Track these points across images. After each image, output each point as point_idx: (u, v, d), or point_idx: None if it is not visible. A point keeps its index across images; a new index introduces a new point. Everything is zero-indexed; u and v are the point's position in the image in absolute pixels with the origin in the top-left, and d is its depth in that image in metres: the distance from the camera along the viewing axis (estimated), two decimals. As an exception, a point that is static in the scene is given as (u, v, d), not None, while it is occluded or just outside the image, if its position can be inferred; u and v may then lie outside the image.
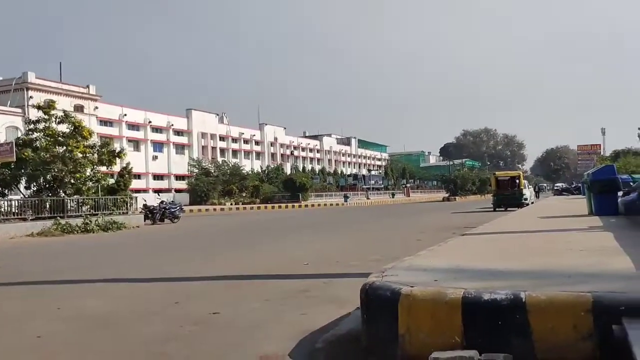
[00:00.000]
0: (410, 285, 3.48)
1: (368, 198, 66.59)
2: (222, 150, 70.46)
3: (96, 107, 52.83)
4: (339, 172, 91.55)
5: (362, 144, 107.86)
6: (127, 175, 27.50)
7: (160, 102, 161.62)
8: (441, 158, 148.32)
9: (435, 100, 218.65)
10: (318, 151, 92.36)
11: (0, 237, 17.76)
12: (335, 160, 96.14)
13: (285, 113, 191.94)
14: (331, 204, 52.83)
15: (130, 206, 24.37)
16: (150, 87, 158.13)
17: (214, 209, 44.05)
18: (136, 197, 25.90)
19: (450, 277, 3.83)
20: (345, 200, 55.60)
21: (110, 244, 15.82)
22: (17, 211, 20.08)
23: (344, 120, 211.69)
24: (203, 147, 66.87)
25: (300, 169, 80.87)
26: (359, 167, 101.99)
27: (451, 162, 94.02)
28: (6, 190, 22.15)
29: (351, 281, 6.70)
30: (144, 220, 24.25)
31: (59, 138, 22.03)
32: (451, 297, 3.25)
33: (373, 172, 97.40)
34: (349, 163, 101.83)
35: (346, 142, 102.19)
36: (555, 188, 65.56)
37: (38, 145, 21.92)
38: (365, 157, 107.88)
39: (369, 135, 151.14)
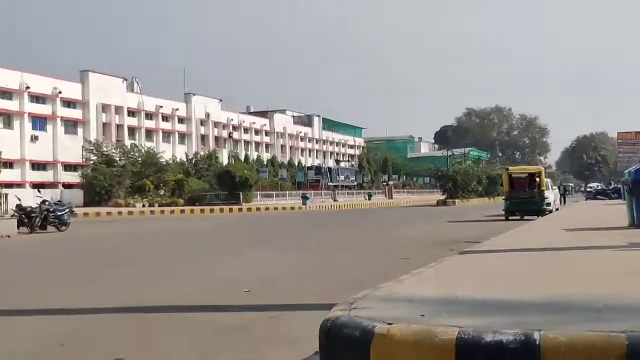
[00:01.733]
0: (387, 322, 3.55)
1: (335, 200, 66.82)
2: (132, 130, 69.55)
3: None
4: (297, 164, 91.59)
5: (329, 124, 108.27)
6: (-7, 164, 26.92)
7: (44, 61, 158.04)
8: (436, 146, 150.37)
9: (430, 68, 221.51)
10: (267, 134, 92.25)
11: None
12: (291, 147, 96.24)
13: (223, 82, 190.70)
14: (284, 208, 52.84)
15: (-2, 207, 23.91)
16: (30, 39, 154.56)
17: (119, 213, 43.42)
18: (6, 195, 25.41)
19: (442, 311, 3.92)
20: (304, 203, 55.63)
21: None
22: None
23: (304, 94, 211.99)
24: (104, 124, 65.84)
25: (242, 158, 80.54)
26: (324, 157, 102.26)
27: (450, 152, 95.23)
28: None
29: (308, 315, 6.75)
30: (18, 228, 23.74)
31: None
32: (442, 338, 3.33)
33: (343, 164, 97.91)
34: (310, 151, 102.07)
35: (306, 121, 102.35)
36: (588, 190, 67.31)
37: None
38: (332, 143, 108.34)
39: (339, 114, 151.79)
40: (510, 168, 34.88)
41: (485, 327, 3.39)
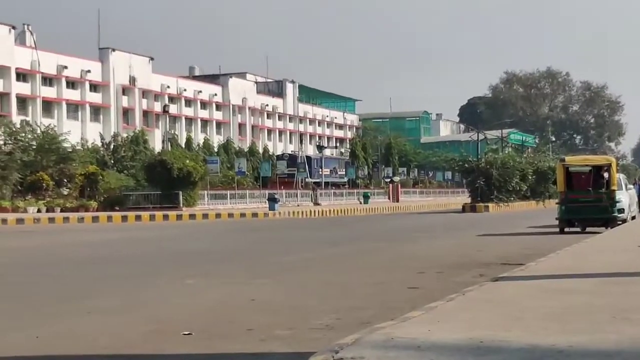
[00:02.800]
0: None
1: (317, 203, 66.89)
2: (23, 101, 69.35)
3: None
4: (261, 151, 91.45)
5: (308, 94, 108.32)
6: None
7: None
8: (462, 127, 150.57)
9: (453, 19, 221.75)
10: (219, 107, 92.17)
11: None
12: (253, 127, 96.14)
13: (154, 33, 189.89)
14: (243, 214, 52.78)
15: None
16: None
17: (3, 221, 43.27)
18: None
19: (464, 363, 3.94)
20: (272, 207, 55.57)
21: None
22: None
23: (273, 52, 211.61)
24: (-17, 92, 65.66)
25: (182, 142, 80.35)
26: (301, 142, 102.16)
27: (481, 135, 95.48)
28: None
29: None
30: None
31: None
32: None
33: (329, 152, 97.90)
34: (281, 133, 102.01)
35: (276, 90, 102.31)
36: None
37: None
38: (313, 122, 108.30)
39: (323, 81, 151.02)
40: (567, 159, 34.93)
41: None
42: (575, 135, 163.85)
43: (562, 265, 9.96)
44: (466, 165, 70.46)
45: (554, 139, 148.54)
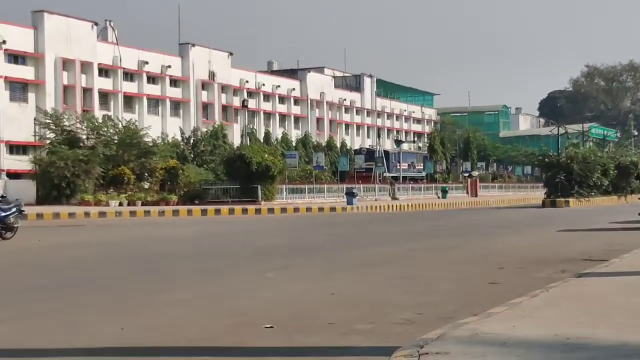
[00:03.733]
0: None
1: (395, 197, 66.69)
2: (105, 96, 70.28)
3: None
4: (339, 145, 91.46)
5: (386, 88, 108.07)
6: None
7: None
8: (542, 121, 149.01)
9: (532, 12, 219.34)
10: (297, 102, 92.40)
11: None
12: (331, 121, 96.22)
13: (233, 29, 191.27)
14: (321, 208, 52.83)
15: None
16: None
17: (86, 214, 43.84)
18: None
19: (552, 360, 3.92)
20: (350, 202, 55.55)
21: None
22: None
23: (350, 46, 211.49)
24: (66, 87, 66.66)
25: (261, 136, 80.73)
26: (379, 136, 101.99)
27: (562, 130, 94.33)
28: None
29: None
30: (-55, 234, 24.22)
31: None
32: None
33: (406, 147, 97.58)
34: (359, 127, 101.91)
35: (354, 84, 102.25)
36: None
37: None
38: (391, 116, 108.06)
39: (400, 75, 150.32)
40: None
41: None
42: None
43: (647, 261, 9.82)
44: (546, 159, 69.88)
45: (636, 133, 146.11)
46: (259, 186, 53.29)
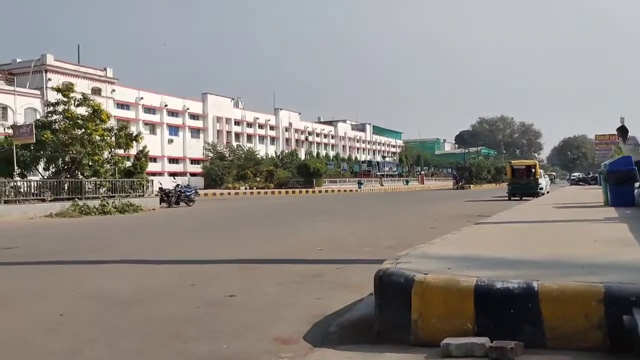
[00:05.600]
0: (423, 273, 3.53)
1: (382, 185, 66.51)
2: (237, 135, 70.72)
3: (113, 90, 53.19)
4: (354, 159, 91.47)
5: (377, 130, 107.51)
6: (143, 159, 27.79)
7: (176, 86, 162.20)
8: (456, 146, 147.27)
9: (452, 87, 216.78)
10: (332, 137, 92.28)
11: (19, 218, 18.09)
12: (349, 147, 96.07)
13: (300, 99, 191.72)
14: (345, 190, 52.88)
15: (146, 189, 24.65)
16: (166, 71, 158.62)
17: (229, 193, 44.33)
18: (152, 180, 26.18)
19: (463, 266, 3.87)
20: (359, 187, 55.60)
21: (127, 225, 16.05)
22: (36, 192, 20.43)
23: (359, 107, 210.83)
24: (218, 131, 67.17)
25: (315, 154, 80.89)
26: (374, 154, 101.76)
27: (467, 150, 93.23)
28: (26, 172, 22.49)
29: (364, 267, 6.76)
30: (160, 203, 24.54)
31: (78, 120, 22.29)
32: (464, 284, 3.30)
33: (387, 159, 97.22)
34: (364, 149, 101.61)
35: (361, 128, 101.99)
36: (572, 178, 64.91)
37: (57, 128, 22.19)
38: (379, 144, 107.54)
39: (384, 122, 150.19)
40: (512, 161, 33.90)
41: (496, 278, 3.34)
42: (516, 150, 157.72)
43: (510, 216, 9.66)
44: (459, 165, 69.66)
45: (505, 152, 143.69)
46: (314, 179, 53.50)
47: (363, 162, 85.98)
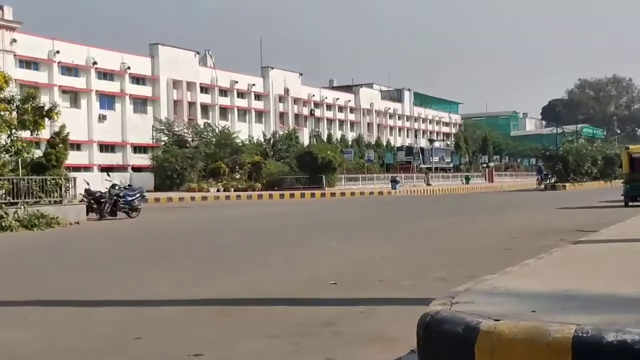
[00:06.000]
0: (494, 318, 3.53)
1: (429, 184, 66.38)
2: (205, 108, 70.80)
3: (14, 40, 53.45)
4: (384, 143, 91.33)
5: (421, 99, 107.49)
6: (61, 145, 27.77)
7: (111, 34, 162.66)
8: (544, 123, 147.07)
9: (535, 31, 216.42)
10: (352, 110, 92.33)
11: None
12: (378, 125, 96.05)
13: (302, 54, 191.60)
14: (371, 192, 52.79)
15: (66, 192, 24.71)
16: (96, 13, 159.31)
17: (192, 198, 44.38)
18: (74, 179, 26.19)
19: (556, 307, 3.87)
20: (394, 187, 55.46)
21: (37, 248, 16.13)
22: None
23: (392, 67, 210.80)
24: (175, 101, 67.27)
25: (325, 137, 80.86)
26: (416, 136, 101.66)
27: (559, 129, 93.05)
28: None
29: (402, 310, 6.78)
30: (87, 214, 24.54)
31: (-41, 87, 22.39)
32: (556, 336, 3.30)
33: (437, 144, 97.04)
34: (400, 129, 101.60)
35: (396, 96, 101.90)
36: None
37: None
38: (425, 121, 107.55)
39: (431, 87, 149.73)
40: (630, 147, 33.75)
41: (606, 325, 3.34)
42: (637, 129, 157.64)
43: (628, 232, 9.63)
44: (547, 153, 69.43)
45: (619, 132, 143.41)
46: (324, 176, 53.42)
47: (399, 148, 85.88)
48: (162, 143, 59.61)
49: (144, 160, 60.38)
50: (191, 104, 68.87)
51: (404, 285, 8.91)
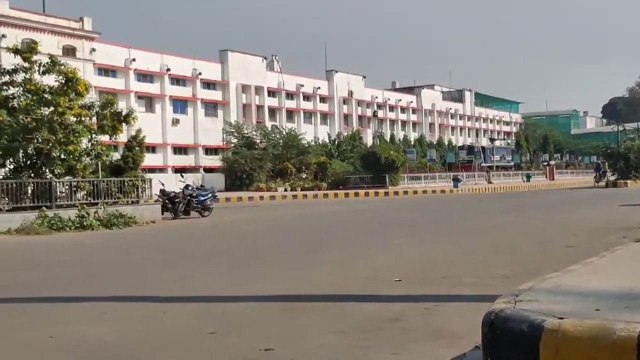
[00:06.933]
0: (558, 317, 3.48)
1: (490, 182, 65.65)
2: (273, 111, 71.36)
3: (93, 50, 54.74)
4: (446, 143, 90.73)
5: (482, 99, 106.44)
6: (137, 148, 28.26)
7: (183, 42, 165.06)
8: (604, 121, 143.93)
9: (597, 31, 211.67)
10: (414, 111, 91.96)
11: (-34, 235, 18.85)
12: (440, 125, 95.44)
13: (366, 57, 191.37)
14: (434, 191, 52.44)
15: (142, 192, 25.12)
16: (169, 22, 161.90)
17: (261, 197, 44.70)
18: (150, 180, 26.56)
19: (620, 306, 3.78)
20: (456, 185, 55.02)
21: (116, 246, 16.49)
22: (-13, 198, 21.15)
23: (453, 68, 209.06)
24: (245, 105, 67.96)
25: (387, 138, 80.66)
26: (477, 135, 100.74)
27: (621, 127, 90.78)
28: (-26, 169, 23.35)
29: (465, 307, 6.71)
30: (162, 213, 24.96)
31: (45, 95, 22.87)
32: (621, 335, 3.23)
33: (498, 143, 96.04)
34: (462, 129, 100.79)
35: (457, 97, 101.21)
36: None
37: (16, 106, 22.88)
38: (486, 120, 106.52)
39: (492, 87, 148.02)
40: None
41: (673, 324, 3.25)
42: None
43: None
44: (608, 150, 68.05)
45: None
46: (387, 175, 53.34)
47: (461, 147, 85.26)
48: (232, 145, 60.33)
49: (214, 161, 61.19)
50: (259, 107, 69.51)
51: (467, 283, 8.82)
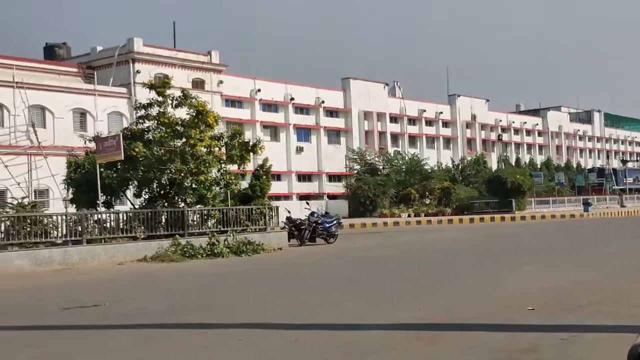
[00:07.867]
0: None
1: (623, 205, 63.19)
2: (395, 137, 71.33)
3: (220, 82, 56.54)
4: (574, 166, 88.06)
5: (612, 120, 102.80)
6: (264, 177, 28.89)
7: (305, 71, 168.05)
8: None
9: None
10: (540, 134, 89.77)
11: (105, 263, 19.78)
12: (567, 148, 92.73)
13: (489, 80, 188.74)
14: (563, 215, 50.95)
15: (269, 220, 25.59)
16: (289, 53, 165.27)
17: (385, 223, 44.71)
18: (277, 207, 27.01)
19: None
20: (586, 209, 53.27)
21: (247, 273, 16.89)
22: (125, 226, 22.04)
23: (581, 88, 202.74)
24: (367, 132, 68.26)
25: (513, 161, 79.00)
26: (607, 157, 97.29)
27: None
28: (112, 199, 24.49)
29: (605, 337, 6.48)
30: (289, 240, 25.35)
31: (177, 127, 23.79)
32: None
33: (631, 165, 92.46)
34: (591, 151, 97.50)
35: (585, 118, 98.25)
36: None
37: (151, 138, 23.86)
38: (617, 141, 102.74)
39: (620, 107, 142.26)
40: None
41: None
42: None
43: None
44: None
45: None
46: (513, 199, 52.35)
47: (590, 170, 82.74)
48: (355, 171, 60.72)
49: (338, 188, 61.68)
50: (381, 134, 69.63)
51: (604, 311, 8.51)
